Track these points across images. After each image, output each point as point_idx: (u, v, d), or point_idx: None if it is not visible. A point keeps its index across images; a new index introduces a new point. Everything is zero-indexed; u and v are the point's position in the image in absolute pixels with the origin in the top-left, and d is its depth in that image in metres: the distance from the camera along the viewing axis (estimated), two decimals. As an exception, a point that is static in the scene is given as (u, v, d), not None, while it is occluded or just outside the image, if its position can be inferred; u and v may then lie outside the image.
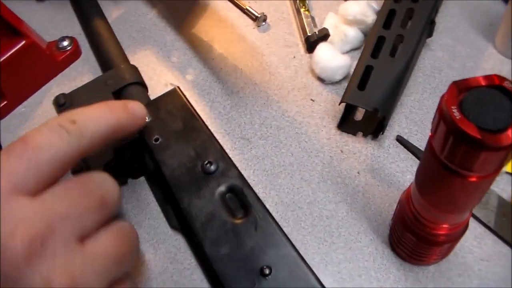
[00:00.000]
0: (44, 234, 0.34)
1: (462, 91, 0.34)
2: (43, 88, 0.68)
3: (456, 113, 0.33)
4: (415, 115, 0.60)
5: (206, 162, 0.50)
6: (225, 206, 0.48)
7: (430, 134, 0.37)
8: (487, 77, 0.34)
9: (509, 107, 0.33)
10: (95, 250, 0.36)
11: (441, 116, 0.34)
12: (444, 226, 0.44)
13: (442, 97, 0.34)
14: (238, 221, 0.47)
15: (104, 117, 0.41)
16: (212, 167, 0.50)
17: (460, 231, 0.46)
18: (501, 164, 0.34)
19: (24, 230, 0.33)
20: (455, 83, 0.34)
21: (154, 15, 0.74)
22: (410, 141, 0.58)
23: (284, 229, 0.51)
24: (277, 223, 0.47)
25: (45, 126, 0.38)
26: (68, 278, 0.34)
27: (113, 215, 0.40)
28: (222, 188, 0.49)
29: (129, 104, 0.45)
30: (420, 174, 0.41)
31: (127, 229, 0.40)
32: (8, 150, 0.36)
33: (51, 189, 0.36)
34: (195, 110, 0.54)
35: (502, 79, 0.34)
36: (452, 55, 0.66)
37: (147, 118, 0.48)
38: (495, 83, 0.34)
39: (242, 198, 0.48)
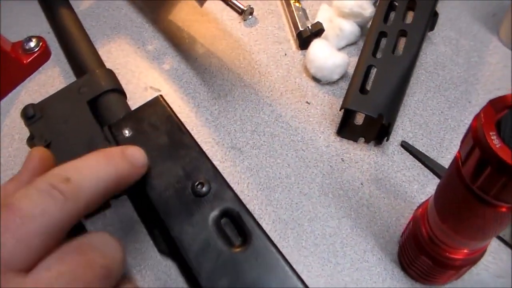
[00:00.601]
0: None
1: (500, 110, 0.29)
2: (10, 95, 0.62)
3: (496, 141, 0.28)
4: (420, 117, 0.56)
5: (197, 183, 0.44)
6: (220, 233, 0.43)
7: (457, 154, 0.33)
8: None
9: None
10: None
11: (477, 142, 0.29)
12: (464, 251, 0.40)
13: (477, 118, 0.29)
14: (237, 250, 0.42)
15: (101, 171, 0.35)
16: (204, 189, 0.44)
17: (479, 255, 0.42)
18: None
19: None
20: (491, 103, 0.30)
21: (129, 9, 0.68)
22: (415, 146, 0.54)
23: (284, 249, 0.47)
24: (279, 251, 0.42)
25: (34, 188, 0.32)
26: None
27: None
28: (216, 213, 0.43)
29: (128, 151, 0.39)
30: (442, 199, 0.37)
31: None
32: None
33: (46, 261, 0.31)
34: (181, 122, 0.49)
35: None
36: (455, 49, 0.61)
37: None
38: (537, 101, 0.30)
39: (239, 223, 0.43)
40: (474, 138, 0.29)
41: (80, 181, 0.33)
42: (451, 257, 0.41)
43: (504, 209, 0.32)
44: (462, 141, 0.32)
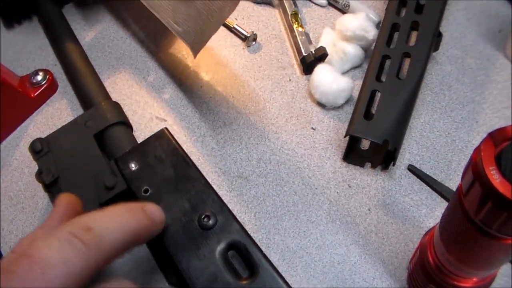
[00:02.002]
0: None
1: (499, 143, 0.29)
2: (19, 129, 0.62)
3: (496, 175, 0.28)
4: (426, 140, 0.55)
5: (203, 216, 0.45)
6: (227, 265, 0.43)
7: (459, 185, 0.32)
8: None
9: None
10: None
11: (476, 176, 0.29)
12: (473, 279, 0.40)
13: (477, 152, 0.29)
14: (244, 283, 0.42)
15: (123, 224, 0.36)
16: (211, 222, 0.44)
17: (489, 282, 0.42)
18: None
19: None
20: (490, 136, 0.29)
21: (133, 40, 0.68)
22: (423, 169, 0.53)
23: (293, 278, 0.47)
24: (286, 282, 0.42)
25: (55, 237, 0.32)
26: None
27: None
28: (222, 245, 0.44)
29: (148, 208, 0.40)
30: (447, 229, 0.36)
31: None
32: (11, 272, 0.30)
33: None
34: (186, 154, 0.49)
35: None
36: (461, 68, 0.61)
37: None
38: (537, 133, 0.29)
39: (246, 256, 0.43)
40: (474, 172, 0.29)
41: (101, 231, 0.33)
42: (460, 286, 0.41)
43: (509, 241, 0.32)
44: (463, 173, 0.31)
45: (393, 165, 0.52)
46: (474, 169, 0.29)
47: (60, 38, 0.66)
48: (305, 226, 0.51)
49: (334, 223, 0.51)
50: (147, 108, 0.61)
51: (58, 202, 0.40)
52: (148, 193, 0.47)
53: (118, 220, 0.36)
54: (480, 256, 0.35)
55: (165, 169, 0.48)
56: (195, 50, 0.54)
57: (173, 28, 0.54)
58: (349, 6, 0.65)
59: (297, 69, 0.63)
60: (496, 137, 0.29)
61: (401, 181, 0.53)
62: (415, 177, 0.53)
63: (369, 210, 0.52)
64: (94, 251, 0.32)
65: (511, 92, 0.58)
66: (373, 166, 0.54)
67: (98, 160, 0.51)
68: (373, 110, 0.53)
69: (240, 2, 0.60)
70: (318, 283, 0.48)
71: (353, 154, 0.55)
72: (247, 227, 0.42)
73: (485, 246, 0.33)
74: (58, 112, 0.63)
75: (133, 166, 0.48)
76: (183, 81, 0.63)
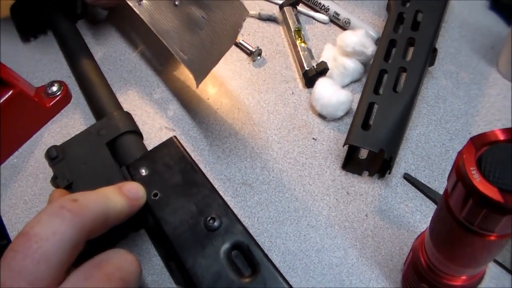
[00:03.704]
0: None
1: (480, 147, 0.32)
2: (34, 137, 0.65)
3: (476, 175, 0.30)
4: (422, 150, 0.58)
5: (209, 218, 0.47)
6: (231, 264, 0.45)
7: (445, 187, 0.35)
8: (506, 131, 0.32)
9: None
10: None
11: (459, 177, 0.31)
12: (462, 277, 0.42)
13: (460, 155, 0.32)
14: (246, 280, 0.44)
15: (103, 197, 0.41)
16: (216, 223, 0.47)
17: (477, 281, 0.44)
18: None
19: None
20: (472, 140, 0.32)
21: (144, 54, 0.72)
22: (418, 178, 0.56)
23: (293, 279, 0.49)
24: (287, 281, 0.44)
25: (43, 213, 0.36)
26: None
27: None
28: (227, 245, 0.46)
29: (124, 187, 0.44)
30: (436, 230, 0.39)
31: None
32: (13, 250, 0.34)
33: (70, 279, 0.35)
34: (193, 161, 0.52)
35: None
36: (456, 82, 0.64)
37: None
38: (515, 138, 0.32)
39: (248, 255, 0.46)
40: (457, 173, 0.32)
41: (86, 202, 0.38)
42: (450, 284, 0.43)
43: (492, 238, 0.34)
44: (449, 176, 0.34)
45: (389, 173, 0.55)
46: (457, 171, 0.32)
47: (75, 51, 0.69)
48: (305, 230, 0.54)
49: (333, 227, 0.54)
50: (156, 118, 0.65)
51: (53, 196, 0.47)
52: (157, 197, 0.49)
53: (98, 195, 0.41)
54: (466, 253, 0.37)
55: (173, 175, 0.51)
56: (199, 79, 0.57)
57: (179, 56, 0.58)
58: (349, 23, 0.69)
59: (299, 83, 0.66)
60: (477, 141, 0.32)
61: (397, 188, 0.56)
62: (410, 185, 0.56)
63: (366, 215, 0.54)
64: (79, 218, 0.37)
65: (503, 105, 0.61)
66: (371, 175, 0.57)
67: (110, 167, 0.54)
68: (371, 121, 0.56)
69: (247, 19, 0.64)
70: (317, 284, 0.51)
71: (351, 163, 0.58)
72: (250, 231, 0.45)
73: (469, 243, 0.35)
74: (71, 122, 0.66)
75: (143, 172, 0.51)
76: (191, 94, 0.66)
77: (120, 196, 0.43)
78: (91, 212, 0.38)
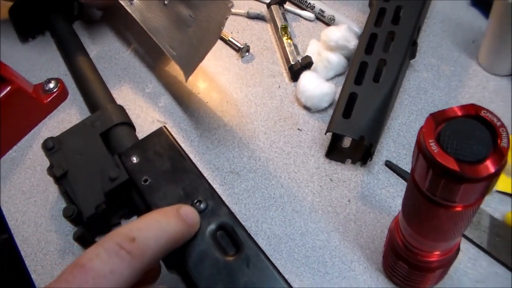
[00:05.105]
0: None
1: (439, 123, 0.34)
2: (32, 131, 0.68)
3: (434, 147, 0.33)
4: (403, 139, 0.61)
5: (196, 201, 0.50)
6: (216, 244, 0.48)
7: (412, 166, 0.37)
8: (463, 107, 0.35)
9: (487, 137, 0.33)
10: None
11: (420, 149, 0.34)
12: (436, 253, 0.44)
13: (420, 130, 0.34)
14: (230, 259, 0.46)
15: (162, 231, 0.39)
16: (202, 206, 0.49)
17: (451, 256, 0.46)
18: (484, 193, 0.35)
19: None
20: (432, 116, 0.34)
21: (137, 51, 0.75)
22: (399, 165, 0.59)
23: (278, 261, 0.51)
24: (269, 259, 0.46)
25: (102, 248, 0.36)
26: None
27: None
28: (212, 226, 0.48)
29: (182, 211, 0.43)
30: (406, 205, 0.41)
31: None
32: (67, 281, 0.34)
33: None
34: (182, 149, 0.54)
35: (479, 108, 0.34)
36: (437, 74, 0.66)
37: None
38: (472, 113, 0.34)
39: (233, 236, 0.48)
40: (418, 146, 0.34)
41: (144, 240, 0.37)
42: (425, 260, 0.45)
43: (456, 209, 0.36)
44: (413, 152, 0.36)
45: (370, 160, 0.58)
46: (418, 144, 0.34)
47: (71, 50, 0.72)
48: (290, 215, 0.57)
49: (317, 212, 0.56)
50: (149, 112, 0.67)
51: None
52: (147, 183, 0.52)
53: (157, 228, 0.39)
54: (434, 226, 0.39)
55: (163, 162, 0.54)
56: (187, 74, 0.60)
57: (169, 52, 0.61)
58: (334, 19, 0.71)
59: (285, 77, 0.69)
60: (436, 117, 0.34)
61: (379, 175, 0.58)
62: (391, 171, 0.58)
63: (348, 201, 0.57)
64: (138, 259, 0.36)
65: (482, 95, 0.64)
66: (353, 162, 0.59)
67: (104, 156, 0.56)
68: (353, 111, 0.59)
69: (235, 17, 0.67)
70: (301, 265, 0.53)
71: (335, 151, 0.60)
72: (238, 217, 0.47)
73: (435, 215, 0.38)
74: (68, 117, 0.69)
75: (134, 160, 0.54)
76: (182, 88, 0.69)
77: (179, 222, 0.42)
78: (151, 252, 0.37)
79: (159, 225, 0.39)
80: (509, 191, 0.55)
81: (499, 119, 0.34)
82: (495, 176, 0.32)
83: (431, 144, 0.33)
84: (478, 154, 0.32)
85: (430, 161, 0.33)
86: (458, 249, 0.47)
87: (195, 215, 0.45)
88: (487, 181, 0.32)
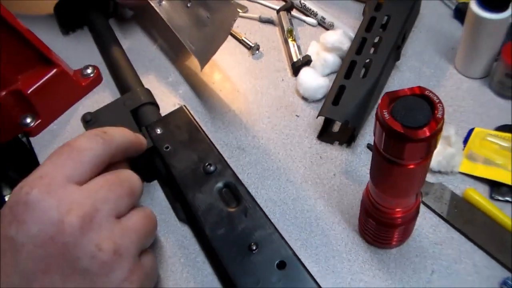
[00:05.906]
0: (91, 212, 0.46)
1: (393, 100, 0.44)
2: (71, 109, 0.80)
3: (387, 115, 0.43)
4: (384, 126, 0.71)
5: (207, 164, 0.60)
6: (221, 198, 0.58)
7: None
8: (412, 89, 0.45)
9: (427, 110, 0.43)
10: (129, 225, 0.48)
11: (377, 118, 0.44)
12: (398, 210, 0.54)
13: (379, 105, 0.45)
14: (232, 210, 0.57)
15: (125, 134, 0.55)
16: (212, 168, 0.60)
17: (412, 214, 0.55)
18: (427, 153, 0.44)
19: (77, 209, 0.45)
20: (387, 94, 0.44)
21: (162, 46, 0.87)
22: (378, 147, 0.69)
23: (272, 221, 0.62)
24: (263, 210, 0.57)
25: (83, 135, 0.50)
26: (112, 243, 0.45)
27: (137, 202, 0.52)
28: (219, 185, 0.59)
29: (138, 134, 0.60)
30: (371, 167, 0.51)
31: (149, 213, 0.53)
32: (58, 153, 0.48)
33: (93, 180, 0.48)
34: (198, 124, 0.65)
35: (423, 89, 0.44)
36: (418, 75, 0.76)
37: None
38: (418, 93, 0.45)
39: (235, 192, 0.59)
40: (376, 117, 0.44)
41: (113, 133, 0.52)
42: (390, 217, 0.53)
43: (407, 166, 0.46)
44: (374, 123, 0.47)
45: (354, 141, 0.68)
46: (376, 115, 0.44)
47: (107, 41, 0.84)
48: (285, 184, 0.67)
49: (307, 182, 0.67)
50: (171, 97, 0.79)
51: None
52: (168, 149, 0.63)
53: (121, 131, 0.55)
54: (392, 182, 0.48)
55: (182, 133, 0.64)
56: (202, 64, 0.70)
57: (189, 47, 0.71)
58: (333, 25, 0.83)
59: (288, 72, 0.80)
60: (390, 95, 0.44)
61: (361, 155, 0.69)
62: (372, 152, 0.69)
63: (334, 175, 0.67)
64: (108, 144, 0.51)
65: (456, 94, 0.73)
66: (340, 144, 0.70)
67: (133, 128, 0.66)
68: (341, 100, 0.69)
69: (248, 20, 0.78)
70: (291, 225, 0.63)
71: (325, 134, 0.71)
72: (241, 183, 0.57)
73: (392, 173, 0.46)
74: (101, 98, 0.80)
75: (158, 131, 0.64)
76: (199, 79, 0.81)
77: (135, 136, 0.58)
78: (117, 142, 0.52)
79: (123, 131, 0.55)
80: (469, 172, 0.65)
81: (438, 97, 0.43)
82: (431, 139, 0.42)
83: (384, 113, 0.43)
84: (419, 121, 0.41)
85: (383, 126, 0.42)
86: (418, 210, 0.57)
87: (144, 139, 0.61)
88: (426, 142, 0.42)
